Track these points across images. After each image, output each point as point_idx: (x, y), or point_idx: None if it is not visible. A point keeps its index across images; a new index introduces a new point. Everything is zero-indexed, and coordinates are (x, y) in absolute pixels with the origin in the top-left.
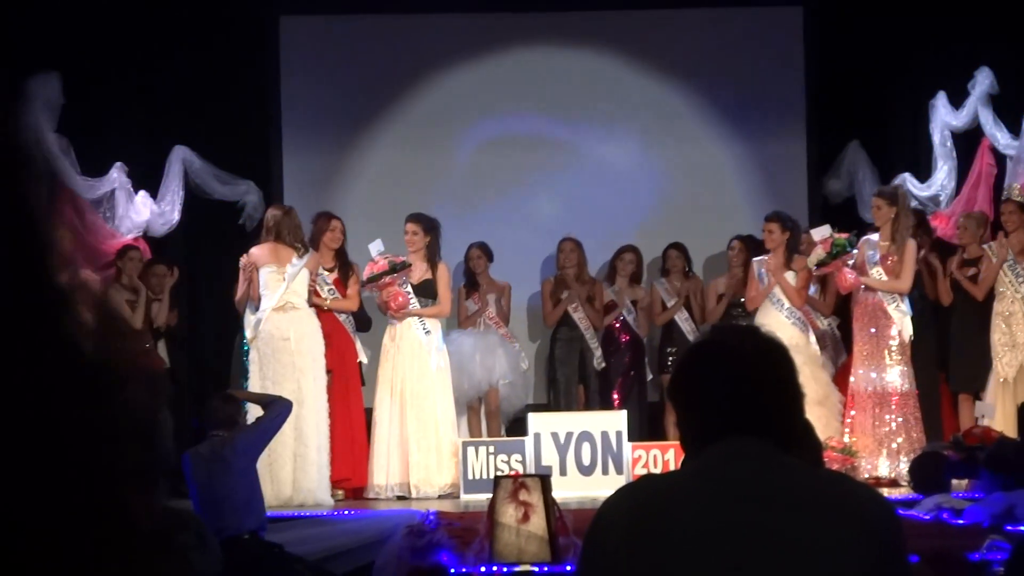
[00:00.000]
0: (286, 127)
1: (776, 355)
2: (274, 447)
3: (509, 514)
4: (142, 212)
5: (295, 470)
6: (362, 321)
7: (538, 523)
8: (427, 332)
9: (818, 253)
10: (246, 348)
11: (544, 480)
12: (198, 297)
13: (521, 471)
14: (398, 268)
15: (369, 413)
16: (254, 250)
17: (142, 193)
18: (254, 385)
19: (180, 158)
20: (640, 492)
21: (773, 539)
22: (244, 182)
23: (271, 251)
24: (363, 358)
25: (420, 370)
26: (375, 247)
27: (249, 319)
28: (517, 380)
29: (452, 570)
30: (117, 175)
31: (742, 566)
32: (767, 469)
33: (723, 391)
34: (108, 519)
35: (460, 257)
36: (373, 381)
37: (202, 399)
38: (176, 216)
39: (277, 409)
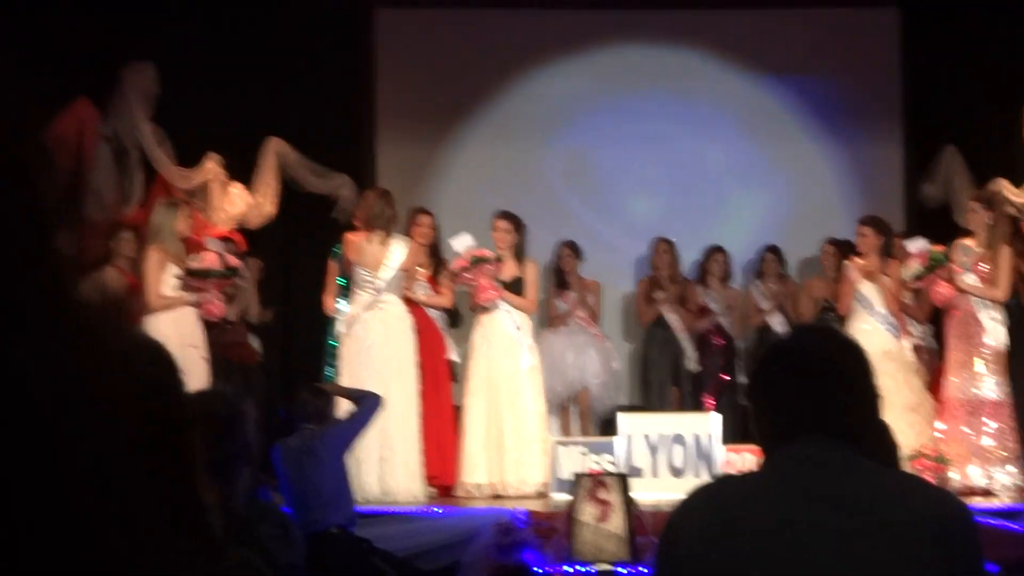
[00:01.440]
0: (381, 121)
1: (851, 356)
2: (358, 451)
3: (588, 512)
4: (237, 204)
5: (382, 474)
6: (453, 317)
7: (617, 522)
8: (518, 328)
9: (914, 266)
10: (333, 344)
11: (623, 479)
12: (292, 291)
13: (612, 471)
14: (481, 261)
15: (458, 411)
16: (349, 239)
17: (237, 185)
18: (343, 383)
19: (274, 150)
20: (714, 494)
21: (844, 539)
22: (338, 175)
23: (364, 242)
24: (454, 356)
25: (512, 368)
26: (460, 242)
27: (341, 312)
28: (609, 380)
29: (536, 568)
30: (212, 166)
31: (814, 566)
32: (839, 470)
33: (796, 391)
34: (177, 506)
35: (550, 255)
36: (463, 378)
37: (291, 392)
38: (271, 208)
39: (368, 404)
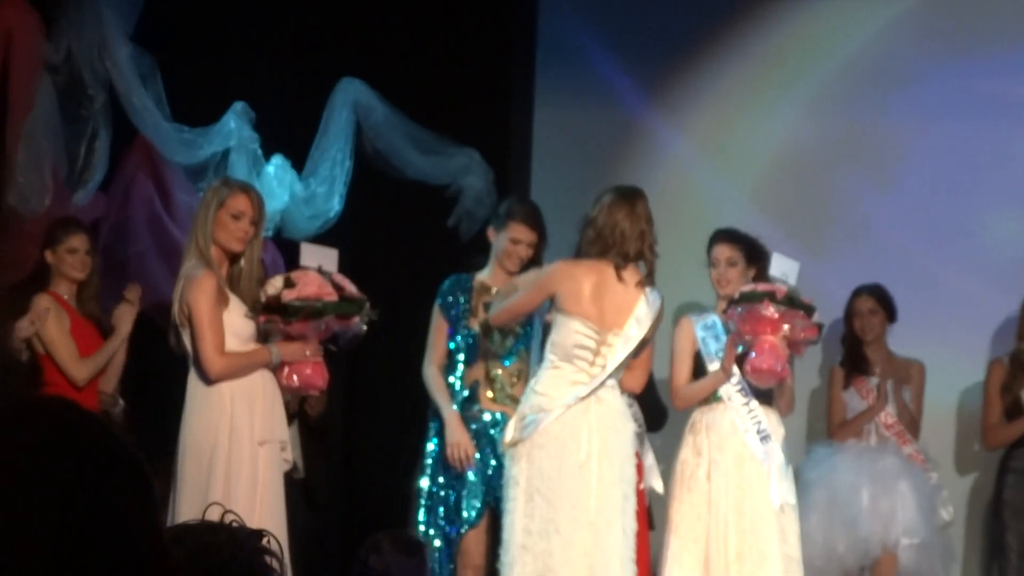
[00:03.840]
0: (541, 75)
1: None
2: None
3: None
4: (275, 192)
5: None
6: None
7: None
8: (764, 438)
9: None
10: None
11: None
12: (373, 352)
13: None
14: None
15: None
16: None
17: (278, 159)
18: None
19: (351, 100)
20: None
21: None
22: (462, 151)
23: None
24: (656, 484)
25: (755, 505)
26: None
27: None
28: (932, 539)
29: None
30: (236, 125)
31: None
32: None
33: None
34: None
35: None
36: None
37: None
38: (336, 204)
39: None
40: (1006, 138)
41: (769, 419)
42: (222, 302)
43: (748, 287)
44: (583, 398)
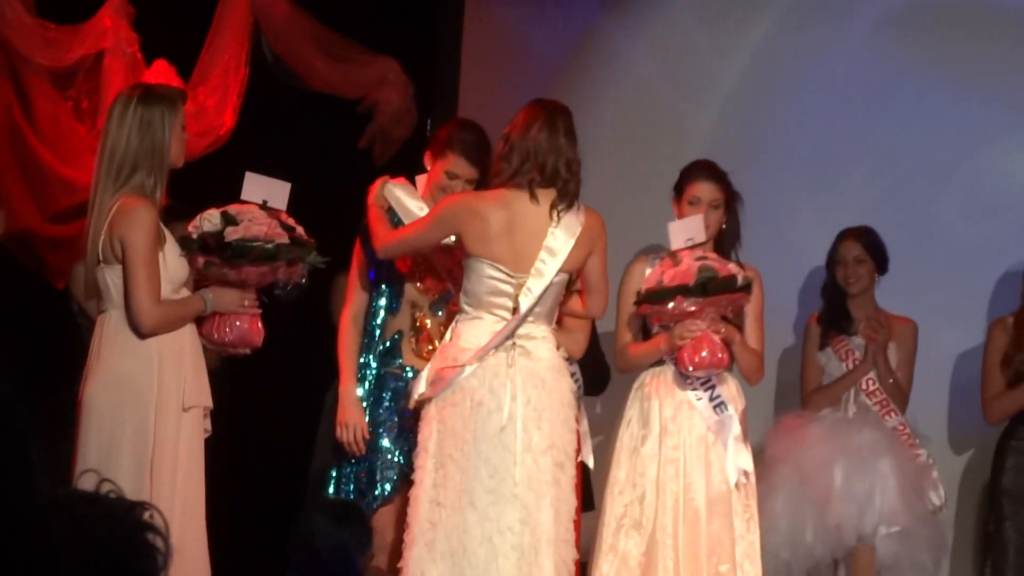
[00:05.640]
0: None
1: None
2: None
3: None
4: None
5: None
6: (598, 375)
7: None
8: (718, 405)
9: None
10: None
11: None
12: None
13: None
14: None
15: None
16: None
17: (161, 65)
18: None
19: None
20: None
21: None
22: (378, 60)
23: (487, 208)
24: (587, 458)
25: (709, 479)
26: (686, 227)
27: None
28: (916, 528)
29: None
30: (112, 23)
31: None
32: None
33: None
34: None
35: (803, 260)
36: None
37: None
38: (228, 120)
39: None
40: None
41: (727, 388)
42: (160, 240)
43: (654, 276)
44: (498, 348)
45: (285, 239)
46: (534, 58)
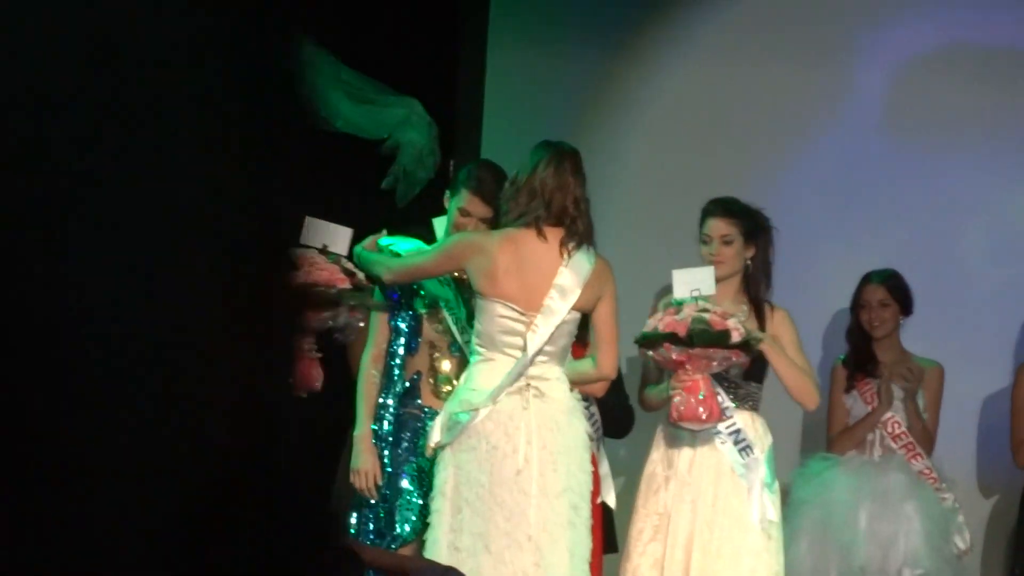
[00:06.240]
0: (496, 12)
1: None
2: None
3: None
4: None
5: None
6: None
7: None
8: (744, 449)
9: None
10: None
11: None
12: None
13: None
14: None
15: None
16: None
17: None
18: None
19: None
20: None
21: None
22: (401, 101)
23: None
24: (609, 498)
25: (732, 519)
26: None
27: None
28: (942, 571)
29: None
30: None
31: None
32: None
33: None
34: None
35: (827, 302)
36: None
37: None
38: None
39: None
40: None
41: (754, 426)
42: None
43: (655, 319)
44: (511, 390)
45: (347, 284)
46: (557, 98)
